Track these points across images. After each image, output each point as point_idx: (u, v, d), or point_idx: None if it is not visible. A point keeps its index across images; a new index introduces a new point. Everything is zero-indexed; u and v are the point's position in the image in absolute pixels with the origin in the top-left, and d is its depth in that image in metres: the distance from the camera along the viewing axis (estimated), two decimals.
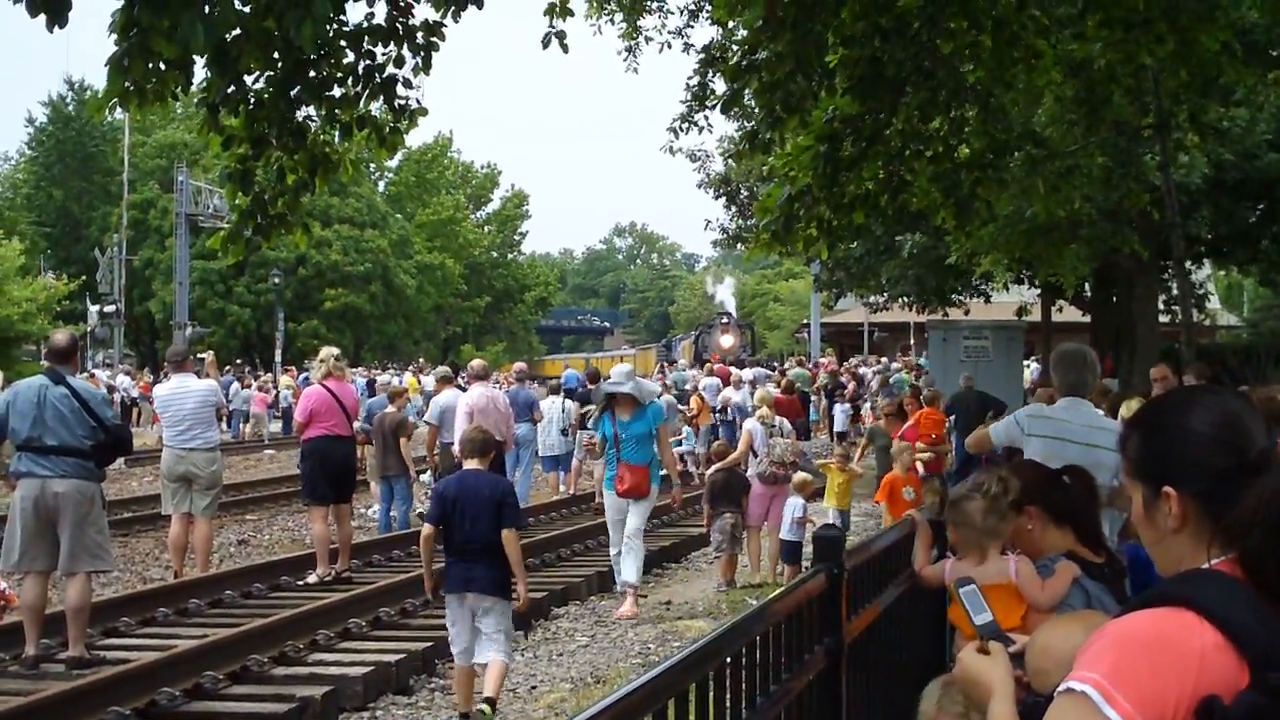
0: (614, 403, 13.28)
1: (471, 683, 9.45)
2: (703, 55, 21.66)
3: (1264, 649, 2.11)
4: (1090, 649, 2.16)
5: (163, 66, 7.52)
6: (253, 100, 8.70)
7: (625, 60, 24.41)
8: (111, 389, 40.59)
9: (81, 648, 10.59)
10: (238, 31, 7.59)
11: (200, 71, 8.10)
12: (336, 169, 9.55)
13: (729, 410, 28.34)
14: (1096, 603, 4.84)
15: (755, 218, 13.60)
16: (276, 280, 62.93)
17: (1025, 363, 31.15)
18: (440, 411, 17.28)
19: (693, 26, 24.25)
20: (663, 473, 13.86)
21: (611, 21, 23.73)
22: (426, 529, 9.32)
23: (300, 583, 14.51)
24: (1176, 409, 2.43)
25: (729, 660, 3.60)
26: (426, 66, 9.13)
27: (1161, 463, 2.40)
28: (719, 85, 21.85)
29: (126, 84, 7.53)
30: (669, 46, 24.26)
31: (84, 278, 63.54)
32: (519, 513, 9.41)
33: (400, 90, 9.21)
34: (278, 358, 58.08)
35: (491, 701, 9.37)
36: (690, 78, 22.29)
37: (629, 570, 13.28)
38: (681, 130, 23.15)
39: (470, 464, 9.32)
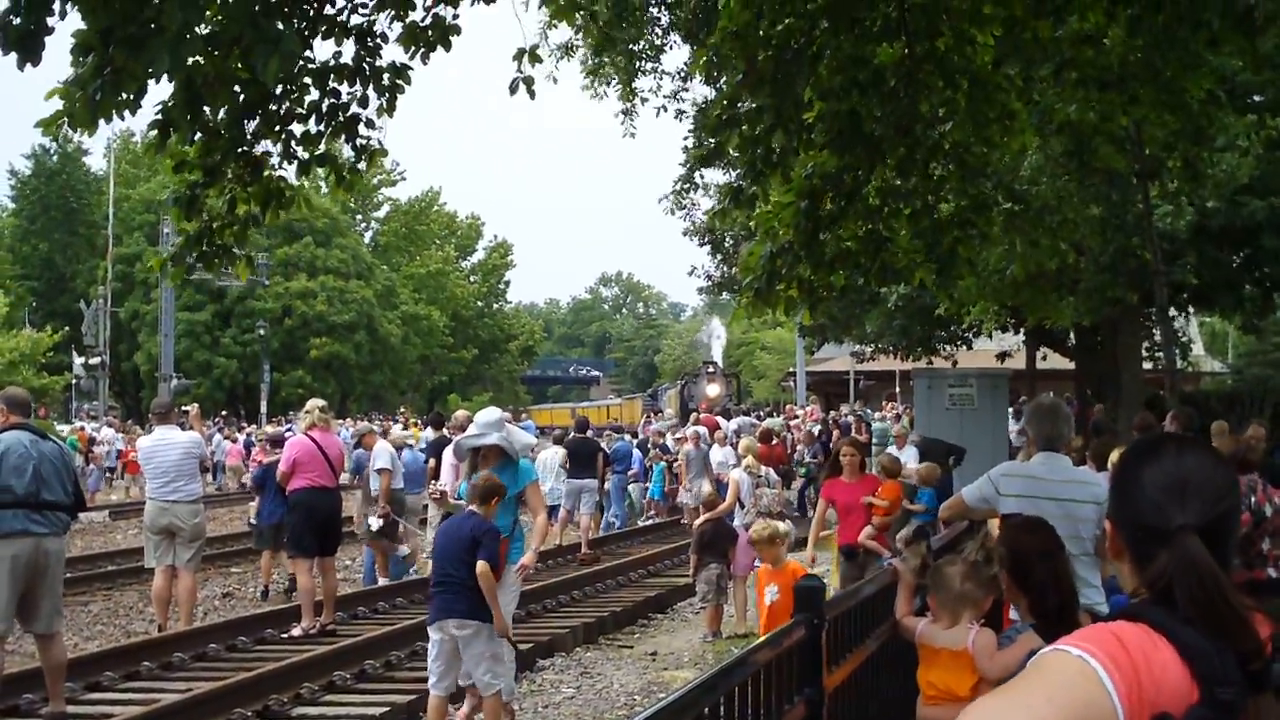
0: (479, 455, 10.82)
1: (443, 714, 9.68)
2: (696, 114, 21.89)
3: (1213, 665, 2.22)
4: (1072, 635, 2.26)
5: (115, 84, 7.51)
6: (211, 129, 8.68)
7: (623, 123, 24.75)
8: (94, 442, 40.52)
9: (63, 702, 10.53)
10: (203, 69, 7.61)
11: (154, 91, 8.08)
12: (290, 204, 9.52)
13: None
14: None
15: (740, 276, 13.55)
16: (262, 331, 62.98)
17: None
18: (390, 458, 17.24)
19: (687, 89, 24.48)
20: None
21: (608, 85, 24.00)
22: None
23: (285, 635, 14.45)
24: (1144, 455, 2.57)
25: (708, 711, 3.60)
26: (391, 108, 9.12)
27: (1112, 499, 2.61)
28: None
29: (75, 103, 7.49)
30: (665, 110, 24.51)
31: (67, 328, 63.53)
32: (494, 549, 9.50)
33: (362, 130, 9.21)
34: (263, 408, 58.01)
35: None
36: (686, 138, 22.58)
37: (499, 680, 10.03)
38: (685, 192, 23.51)
39: (470, 507, 9.72)
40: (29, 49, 6.78)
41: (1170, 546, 2.37)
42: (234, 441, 44.09)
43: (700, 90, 24.70)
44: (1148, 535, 2.43)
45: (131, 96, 7.59)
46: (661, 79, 24.71)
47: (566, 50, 22.94)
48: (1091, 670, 2.11)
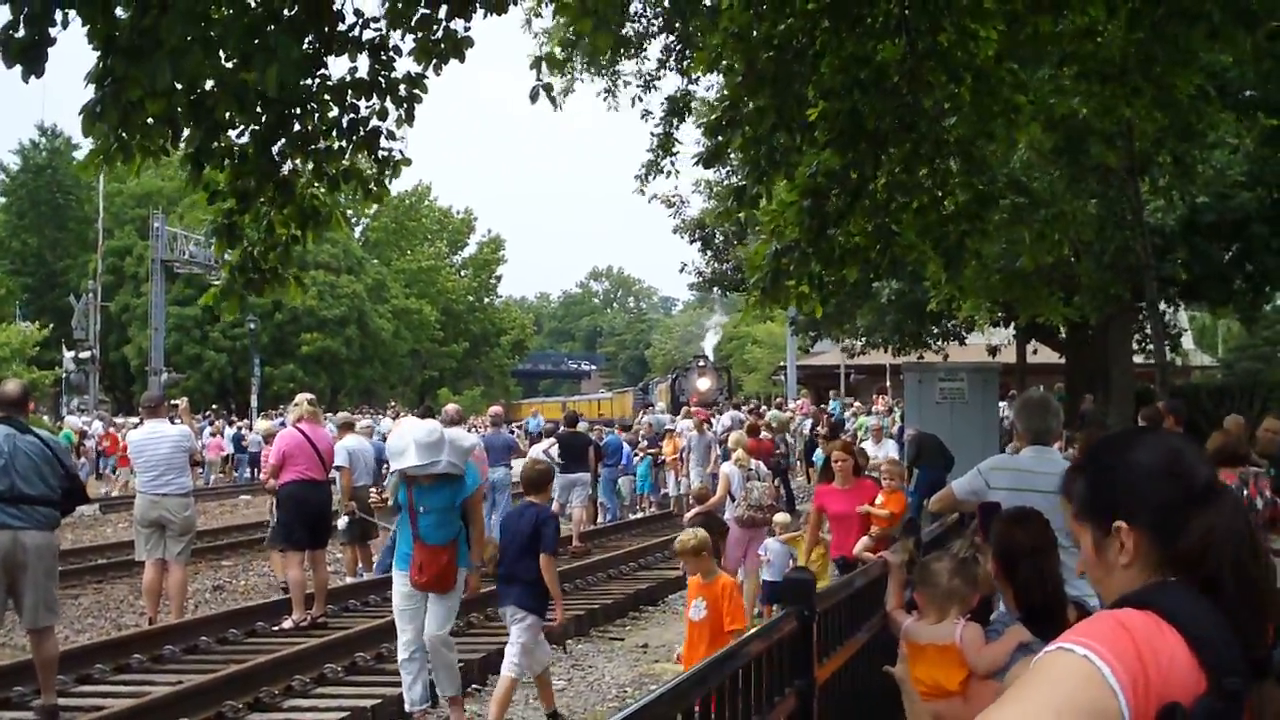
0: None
1: (543, 689, 10.56)
2: (665, 104, 21.95)
3: (1220, 654, 2.18)
4: (1077, 630, 2.21)
5: (150, 121, 7.56)
6: (237, 154, 8.73)
7: (605, 101, 25.01)
8: (84, 435, 40.43)
9: (54, 695, 10.50)
10: (212, 83, 7.63)
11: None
12: (327, 223, 9.57)
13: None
14: None
15: (746, 274, 13.57)
16: (252, 325, 62.90)
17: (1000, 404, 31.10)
18: (348, 455, 17.24)
19: (660, 77, 24.51)
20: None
21: (601, 74, 24.14)
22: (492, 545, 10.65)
23: (276, 628, 14.45)
24: (1120, 447, 2.52)
25: (700, 703, 3.61)
26: (409, 118, 9.19)
27: (1110, 499, 2.46)
28: (685, 133, 22.25)
29: (112, 141, 7.56)
30: (640, 100, 24.65)
31: (53, 325, 63.35)
32: (553, 540, 10.05)
33: (384, 142, 9.27)
34: (254, 403, 57.94)
35: None
36: (656, 125, 22.62)
37: (445, 680, 10.24)
38: (648, 179, 23.55)
39: (528, 497, 10.43)
40: (32, 60, 6.79)
41: (1210, 504, 2.34)
42: (216, 435, 43.98)
43: (673, 80, 24.84)
44: (1172, 508, 2.37)
45: (165, 133, 7.66)
46: (643, 63, 24.85)
47: (562, 41, 22.98)
48: (1095, 671, 2.07)
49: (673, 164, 22.44)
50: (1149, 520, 2.39)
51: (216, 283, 10.14)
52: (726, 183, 25.76)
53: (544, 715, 10.50)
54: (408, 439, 9.95)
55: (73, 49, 7.51)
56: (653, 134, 22.31)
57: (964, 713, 5.05)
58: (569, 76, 24.05)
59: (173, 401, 21.71)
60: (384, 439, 20.44)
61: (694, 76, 21.39)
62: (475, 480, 10.52)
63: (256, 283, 9.61)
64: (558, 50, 20.82)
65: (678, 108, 21.17)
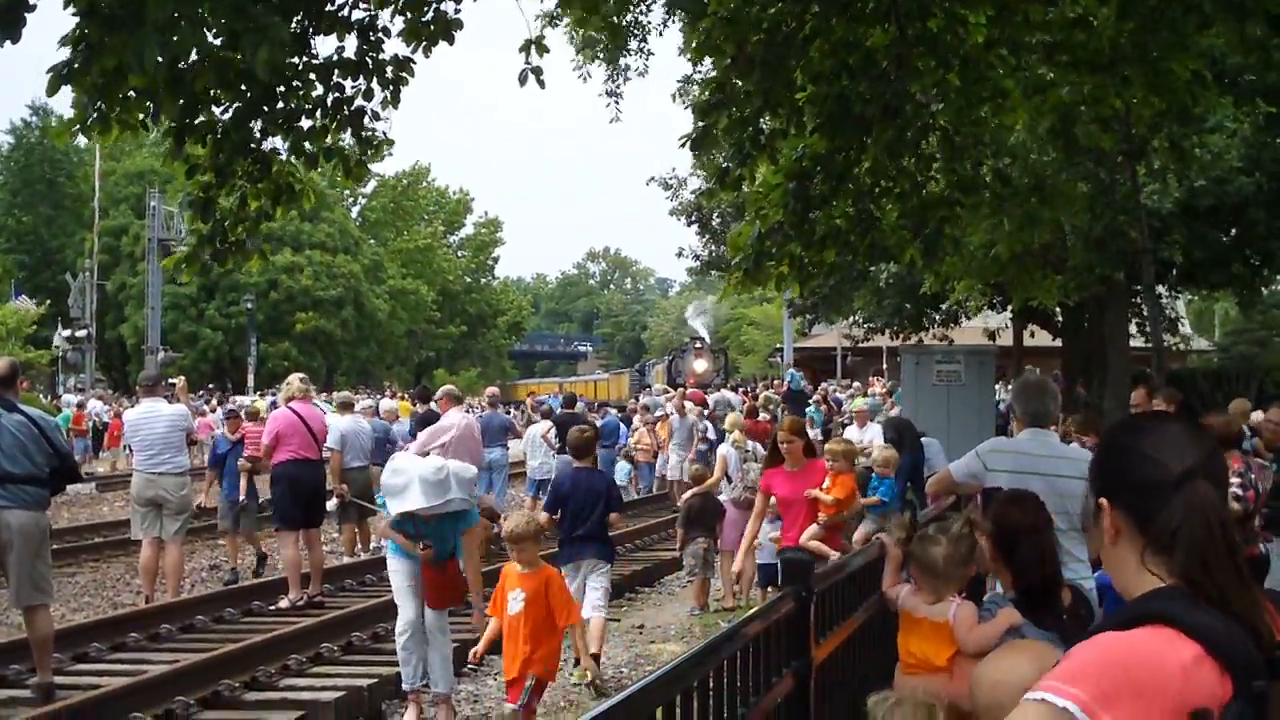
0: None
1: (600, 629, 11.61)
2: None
3: (1243, 658, 2.18)
4: (1069, 664, 2.18)
5: (132, 94, 7.53)
6: (219, 130, 8.70)
7: (607, 106, 25.19)
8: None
9: (50, 673, 10.50)
10: (194, 57, 7.59)
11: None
12: (299, 199, 9.57)
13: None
14: None
15: (728, 254, 13.62)
16: (249, 304, 62.85)
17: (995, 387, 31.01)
18: (341, 437, 17.23)
19: (699, 69, 24.59)
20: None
21: (598, 62, 24.13)
22: (544, 516, 11.15)
23: (272, 607, 14.45)
24: (1124, 430, 2.57)
25: (697, 684, 3.61)
26: (395, 100, 9.15)
27: (1101, 478, 2.53)
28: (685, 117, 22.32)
29: (92, 110, 7.52)
30: (676, 99, 24.78)
31: (50, 302, 63.29)
32: (620, 500, 12.41)
33: (368, 122, 9.23)
34: (250, 381, 57.92)
35: (596, 657, 11.21)
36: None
37: (438, 673, 9.91)
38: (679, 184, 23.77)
39: (579, 463, 11.69)
40: (9, 24, 6.73)
41: (1179, 492, 2.35)
42: (203, 415, 43.86)
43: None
44: (1149, 492, 2.40)
45: (146, 105, 7.64)
46: (648, 58, 24.83)
47: (551, 19, 23.03)
48: None
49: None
50: (1125, 500, 2.45)
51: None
52: (710, 159, 25.89)
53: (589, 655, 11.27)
54: (410, 476, 9.24)
55: (66, 26, 7.45)
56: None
57: (949, 689, 5.06)
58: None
59: (170, 380, 21.68)
60: (378, 414, 20.48)
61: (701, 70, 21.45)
62: (475, 518, 9.87)
63: (221, 253, 9.64)
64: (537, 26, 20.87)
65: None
